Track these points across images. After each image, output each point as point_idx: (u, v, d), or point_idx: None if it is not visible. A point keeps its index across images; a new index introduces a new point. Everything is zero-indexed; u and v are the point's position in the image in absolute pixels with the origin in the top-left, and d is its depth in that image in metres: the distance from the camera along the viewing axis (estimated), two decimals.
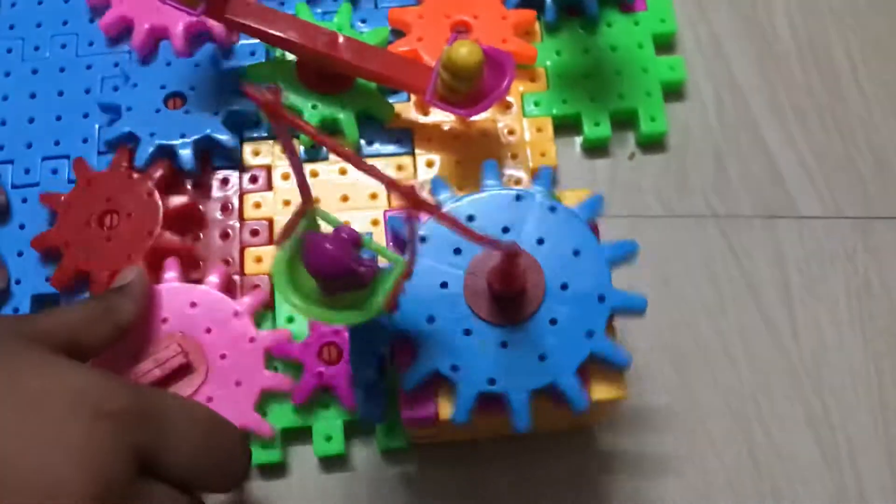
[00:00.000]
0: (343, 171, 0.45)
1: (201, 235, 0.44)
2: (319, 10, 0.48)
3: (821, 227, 0.46)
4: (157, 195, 0.42)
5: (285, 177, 0.45)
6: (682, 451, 0.42)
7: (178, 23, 0.46)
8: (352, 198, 0.44)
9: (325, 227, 0.31)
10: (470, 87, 0.40)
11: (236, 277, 0.43)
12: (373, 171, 0.25)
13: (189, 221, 0.43)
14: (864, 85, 0.49)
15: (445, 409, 0.33)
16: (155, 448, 0.31)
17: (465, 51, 0.38)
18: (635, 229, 0.46)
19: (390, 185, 0.25)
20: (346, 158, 0.26)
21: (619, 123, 0.47)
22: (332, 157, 0.45)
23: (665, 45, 0.49)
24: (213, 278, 0.41)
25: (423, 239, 0.34)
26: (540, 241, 0.34)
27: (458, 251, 0.34)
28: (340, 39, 0.42)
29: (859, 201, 0.46)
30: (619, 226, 0.46)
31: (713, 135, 0.48)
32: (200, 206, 0.44)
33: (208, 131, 0.44)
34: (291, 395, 0.40)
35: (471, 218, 0.34)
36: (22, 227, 0.44)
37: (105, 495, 0.29)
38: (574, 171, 0.46)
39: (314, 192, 0.43)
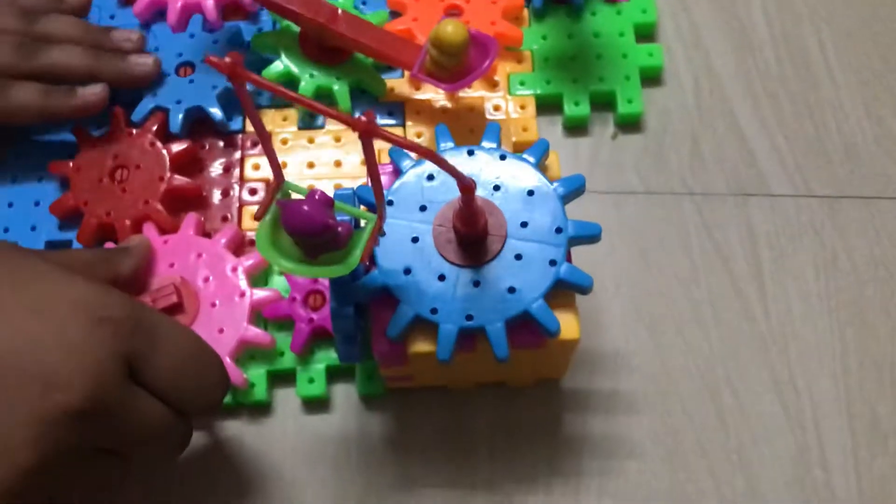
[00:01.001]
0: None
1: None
2: None
3: (791, 205, 0.46)
4: (158, 144, 0.44)
5: (284, 142, 0.45)
6: (654, 410, 0.42)
7: None
8: (344, 164, 0.45)
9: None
10: (455, 63, 0.40)
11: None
12: (327, 111, 0.26)
13: (192, 165, 0.44)
14: (834, 73, 0.49)
15: (414, 345, 0.34)
16: (144, 358, 0.32)
17: (451, 28, 0.39)
18: (616, 204, 0.46)
19: (343, 119, 0.26)
20: (303, 104, 0.27)
21: (599, 105, 0.47)
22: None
23: (646, 34, 0.49)
24: (222, 234, 0.42)
25: (390, 202, 0.35)
26: (496, 188, 0.35)
27: (423, 208, 0.35)
28: (339, 13, 0.43)
29: (828, 181, 0.46)
30: (600, 201, 0.46)
31: (691, 118, 0.48)
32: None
33: (202, 103, 0.44)
34: (291, 345, 0.41)
35: (431, 177, 0.35)
36: (40, 179, 0.45)
37: (97, 393, 0.30)
38: (556, 149, 0.46)
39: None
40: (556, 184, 0.35)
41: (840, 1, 0.51)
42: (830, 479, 0.40)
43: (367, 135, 0.26)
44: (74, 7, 0.46)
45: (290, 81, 0.45)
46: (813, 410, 0.41)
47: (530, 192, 0.35)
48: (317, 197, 0.29)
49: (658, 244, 0.45)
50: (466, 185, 0.30)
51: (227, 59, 0.26)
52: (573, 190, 0.35)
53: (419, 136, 0.45)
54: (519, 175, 0.35)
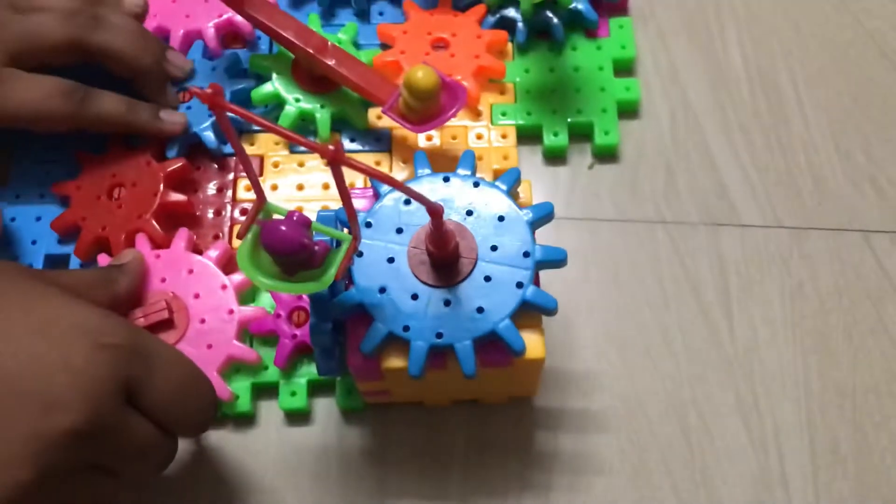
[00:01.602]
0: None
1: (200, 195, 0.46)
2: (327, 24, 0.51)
3: (760, 235, 0.47)
4: (154, 163, 0.45)
5: (276, 164, 0.47)
6: (622, 428, 0.42)
7: (209, 25, 0.48)
8: (332, 187, 0.46)
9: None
10: (424, 107, 0.41)
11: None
12: (299, 140, 0.27)
13: (186, 183, 0.45)
14: (806, 110, 0.50)
15: (388, 361, 0.35)
16: (140, 383, 0.33)
17: (421, 74, 0.40)
18: (591, 230, 0.47)
19: (313, 147, 0.27)
20: (278, 133, 0.28)
21: (578, 136, 0.48)
22: None
23: (625, 69, 0.50)
24: (213, 252, 0.43)
25: (368, 224, 0.36)
26: (469, 213, 0.36)
27: (399, 231, 0.36)
28: (329, 45, 0.45)
29: (796, 213, 0.47)
30: (576, 227, 0.47)
31: (666, 149, 0.49)
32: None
33: (197, 129, 0.46)
34: (275, 359, 0.41)
35: (408, 201, 0.36)
36: (42, 196, 0.46)
37: (95, 415, 0.31)
38: (536, 177, 0.48)
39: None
40: (525, 210, 0.36)
41: (813, 42, 0.52)
42: (790, 499, 0.41)
43: (335, 162, 0.27)
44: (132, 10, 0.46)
45: (278, 104, 0.46)
46: (775, 433, 0.42)
47: (501, 218, 0.36)
48: (294, 218, 0.30)
49: (630, 269, 0.46)
50: (434, 210, 0.31)
51: (209, 90, 0.27)
52: (542, 217, 0.36)
53: (405, 161, 0.46)
54: (491, 201, 0.36)
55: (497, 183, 0.37)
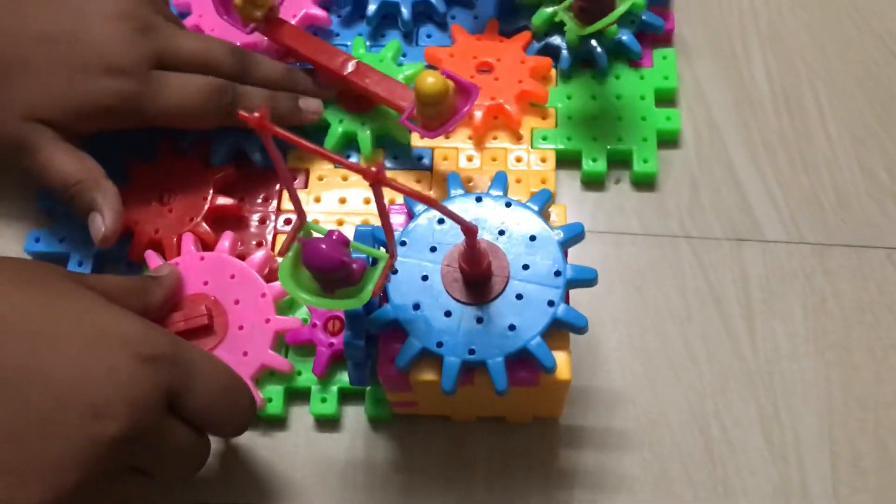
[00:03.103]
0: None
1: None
2: (369, 44, 0.49)
3: (783, 251, 0.44)
4: (202, 169, 0.44)
5: (320, 178, 0.45)
6: (645, 440, 0.40)
7: (264, 40, 0.46)
8: (373, 202, 0.45)
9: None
10: (437, 112, 0.39)
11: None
12: (341, 161, 0.26)
13: (233, 189, 0.44)
14: (829, 129, 0.47)
15: (419, 374, 0.34)
16: (181, 391, 0.33)
17: (430, 80, 0.38)
18: (616, 244, 0.45)
19: (354, 168, 0.26)
20: (321, 155, 0.27)
21: (617, 162, 0.46)
22: None
23: (667, 99, 0.48)
24: (256, 258, 0.42)
25: (403, 243, 0.35)
26: (501, 232, 0.34)
27: (433, 249, 0.34)
28: (352, 61, 0.44)
29: (820, 230, 0.45)
30: (603, 241, 0.45)
31: (691, 166, 0.47)
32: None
33: (244, 143, 0.45)
34: (313, 368, 0.40)
35: (441, 221, 0.35)
36: None
37: (140, 423, 0.31)
38: (573, 201, 0.46)
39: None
40: (556, 230, 0.34)
41: (837, 61, 0.50)
42: None
43: (376, 183, 0.26)
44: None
45: (323, 124, 0.45)
46: (796, 445, 0.40)
47: (532, 238, 0.34)
48: (334, 237, 0.30)
49: (654, 283, 0.44)
50: (469, 230, 0.30)
51: (256, 114, 0.26)
52: (572, 237, 0.34)
53: (445, 180, 0.45)
54: (522, 221, 0.35)
55: (529, 203, 0.35)
